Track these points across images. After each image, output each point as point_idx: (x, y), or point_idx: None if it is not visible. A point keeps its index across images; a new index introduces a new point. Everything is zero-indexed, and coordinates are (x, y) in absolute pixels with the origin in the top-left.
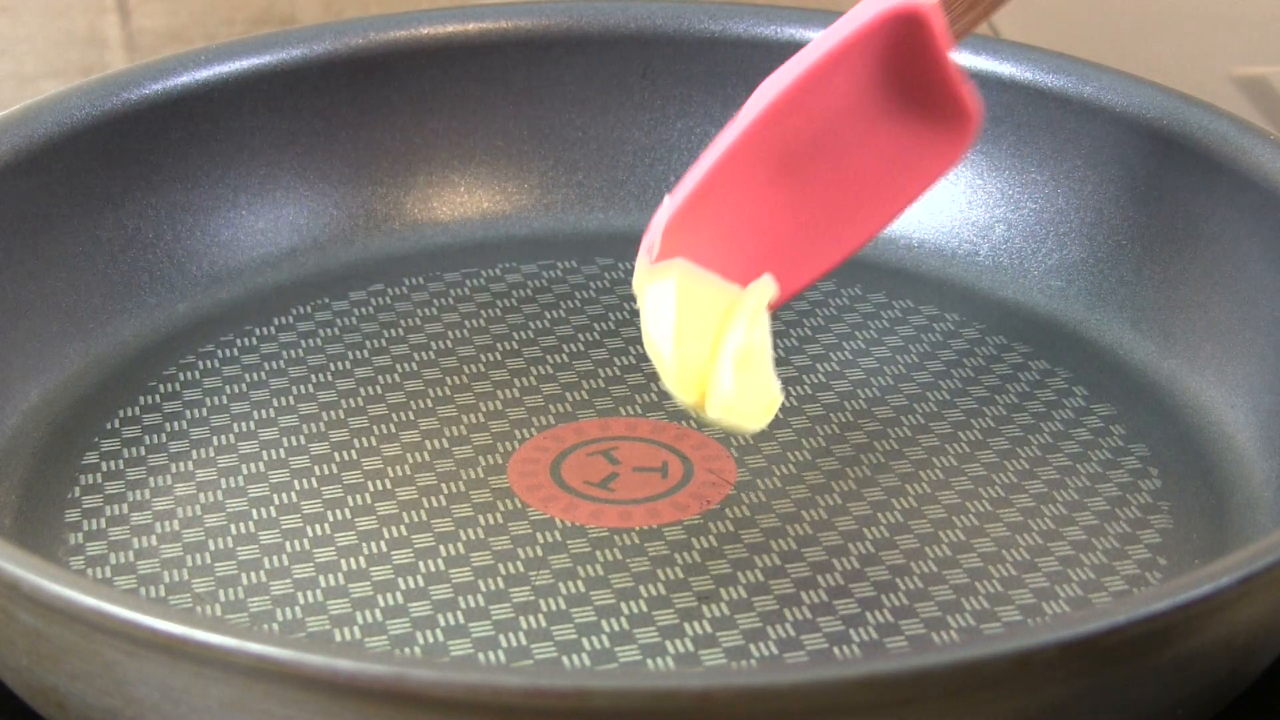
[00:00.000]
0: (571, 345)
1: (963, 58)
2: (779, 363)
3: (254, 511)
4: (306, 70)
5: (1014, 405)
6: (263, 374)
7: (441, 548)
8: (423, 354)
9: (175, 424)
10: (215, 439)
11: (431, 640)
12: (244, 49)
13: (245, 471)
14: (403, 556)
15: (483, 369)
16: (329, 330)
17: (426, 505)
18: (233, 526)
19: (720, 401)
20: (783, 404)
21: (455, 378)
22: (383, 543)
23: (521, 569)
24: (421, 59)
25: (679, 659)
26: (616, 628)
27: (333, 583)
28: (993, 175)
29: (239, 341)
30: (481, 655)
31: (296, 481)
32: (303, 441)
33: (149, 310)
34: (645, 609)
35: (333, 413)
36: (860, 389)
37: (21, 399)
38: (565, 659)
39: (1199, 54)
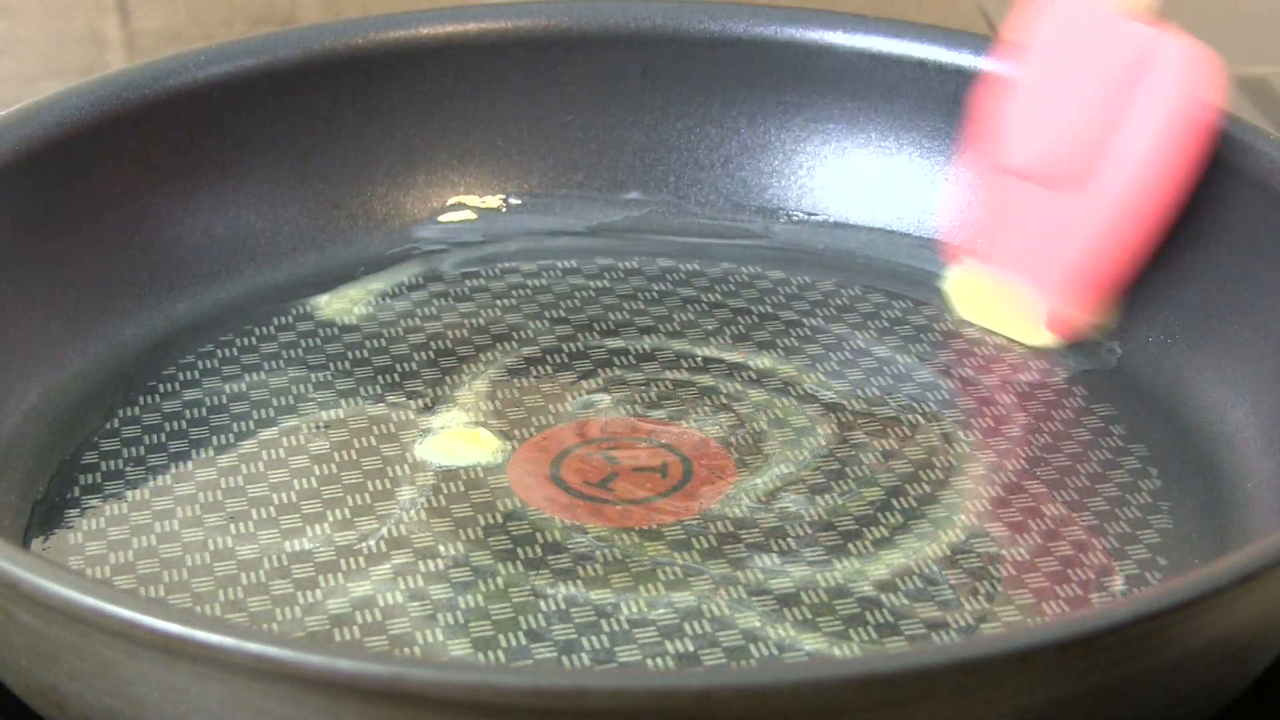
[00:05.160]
0: (571, 345)
1: (962, 58)
2: (782, 360)
3: (254, 511)
4: (306, 70)
5: (1014, 405)
6: (263, 374)
7: (441, 547)
8: (422, 354)
9: (175, 424)
10: (215, 439)
11: (431, 640)
12: (244, 49)
13: (245, 471)
14: (403, 556)
15: (482, 368)
16: (329, 330)
17: (426, 505)
18: (233, 526)
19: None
20: (784, 403)
21: (454, 377)
22: (382, 542)
23: (521, 569)
24: (421, 59)
25: (679, 659)
26: (616, 628)
27: (332, 583)
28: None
29: (239, 341)
30: (481, 655)
31: (296, 481)
32: (302, 441)
33: (149, 310)
34: (645, 609)
35: (332, 412)
36: (860, 389)
37: (21, 399)
38: (565, 659)
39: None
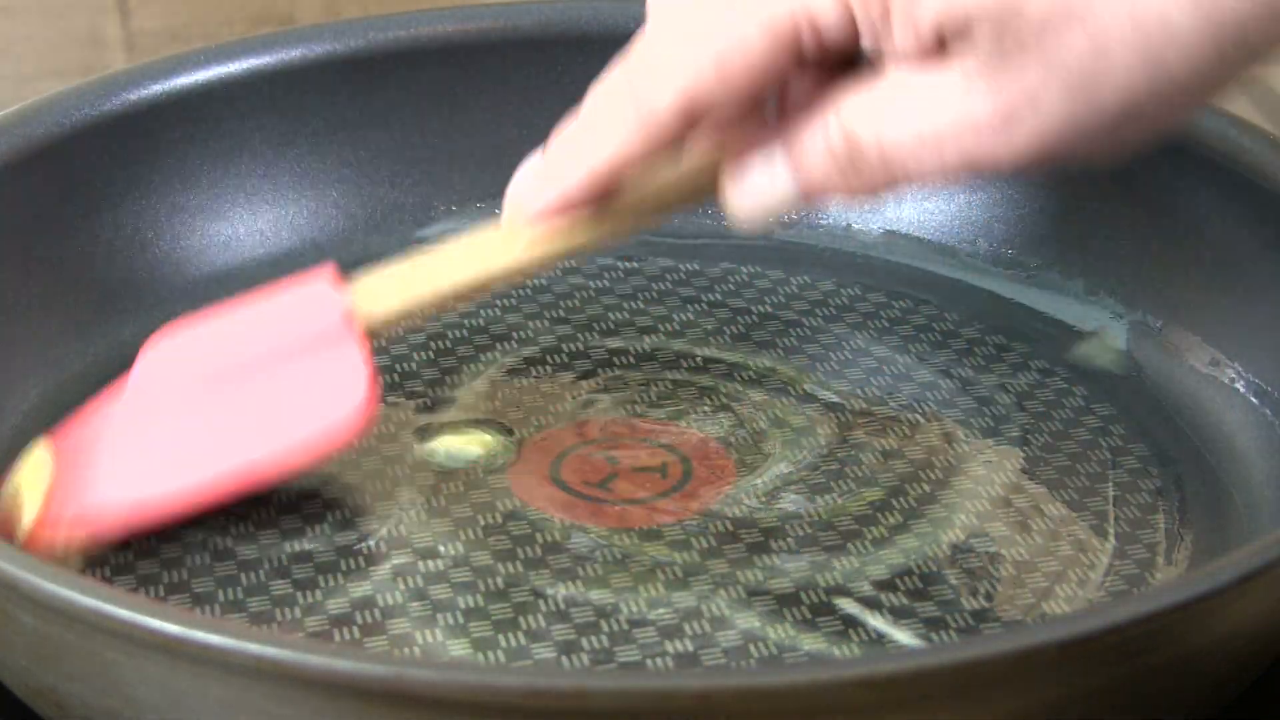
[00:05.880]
0: (571, 345)
1: None
2: (782, 360)
3: (254, 512)
4: (306, 70)
5: (1014, 405)
6: None
7: (441, 547)
8: (421, 354)
9: None
10: None
11: (431, 640)
12: (244, 49)
13: None
14: (402, 556)
15: (482, 368)
16: None
17: (426, 505)
18: (232, 526)
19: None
20: (783, 403)
21: (454, 377)
22: (382, 543)
23: (521, 569)
24: (421, 59)
25: (679, 659)
26: (616, 628)
27: (332, 583)
28: (993, 175)
29: None
30: (481, 655)
31: (296, 481)
32: None
33: (149, 310)
34: (645, 609)
35: None
36: (860, 389)
37: (21, 399)
38: (565, 659)
39: None
